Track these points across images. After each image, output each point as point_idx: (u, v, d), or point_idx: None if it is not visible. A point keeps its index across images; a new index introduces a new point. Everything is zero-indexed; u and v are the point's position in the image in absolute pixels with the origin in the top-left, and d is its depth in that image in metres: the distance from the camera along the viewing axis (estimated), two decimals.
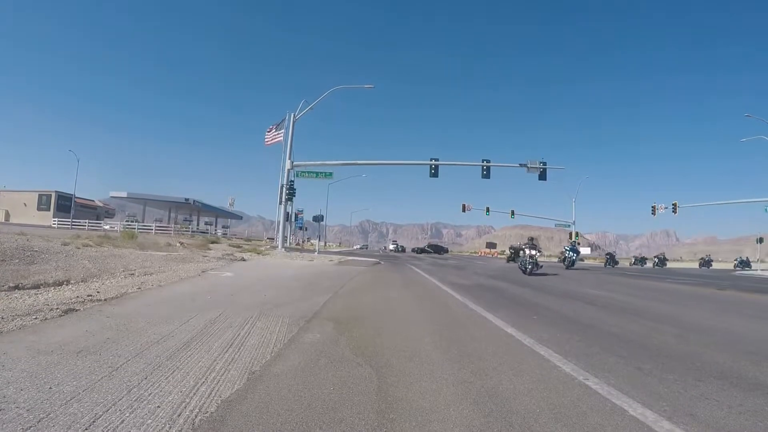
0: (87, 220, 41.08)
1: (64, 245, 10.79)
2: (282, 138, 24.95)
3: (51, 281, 6.46)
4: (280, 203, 24.27)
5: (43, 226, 32.00)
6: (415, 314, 5.64)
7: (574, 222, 48.21)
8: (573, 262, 23.08)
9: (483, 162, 27.67)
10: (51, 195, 48.40)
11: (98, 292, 5.82)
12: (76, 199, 47.08)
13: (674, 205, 39.36)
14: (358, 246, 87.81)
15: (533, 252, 14.97)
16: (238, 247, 23.35)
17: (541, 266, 15.76)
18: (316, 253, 23.93)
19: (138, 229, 32.58)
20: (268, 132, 25.72)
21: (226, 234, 46.37)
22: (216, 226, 52.62)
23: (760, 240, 40.51)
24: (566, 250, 24.22)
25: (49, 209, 47.16)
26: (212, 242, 24.26)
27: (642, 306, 7.31)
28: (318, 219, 42.93)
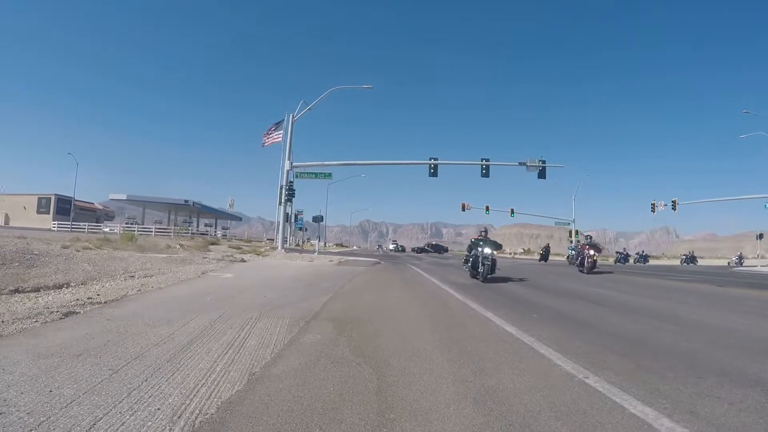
0: (87, 223, 41.07)
1: (64, 248, 10.79)
2: (280, 138, 24.89)
3: (51, 284, 6.46)
4: (280, 204, 24.25)
5: (43, 229, 32.03)
6: (415, 314, 5.63)
7: (574, 220, 48.21)
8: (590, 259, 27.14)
9: (482, 161, 27.62)
10: (50, 198, 48.39)
11: (98, 294, 5.81)
12: (75, 202, 47.01)
13: (674, 202, 39.36)
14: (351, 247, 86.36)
15: (488, 250, 10.38)
16: (238, 248, 23.33)
17: (499, 268, 11.30)
18: (315, 253, 23.91)
19: (138, 231, 32.59)
20: (268, 133, 25.68)
21: (226, 235, 46.33)
22: (216, 228, 52.54)
23: (760, 236, 40.49)
24: (571, 248, 27.54)
25: (48, 212, 47.14)
26: (212, 244, 24.24)
27: (640, 304, 7.31)
28: (318, 219, 42.95)
